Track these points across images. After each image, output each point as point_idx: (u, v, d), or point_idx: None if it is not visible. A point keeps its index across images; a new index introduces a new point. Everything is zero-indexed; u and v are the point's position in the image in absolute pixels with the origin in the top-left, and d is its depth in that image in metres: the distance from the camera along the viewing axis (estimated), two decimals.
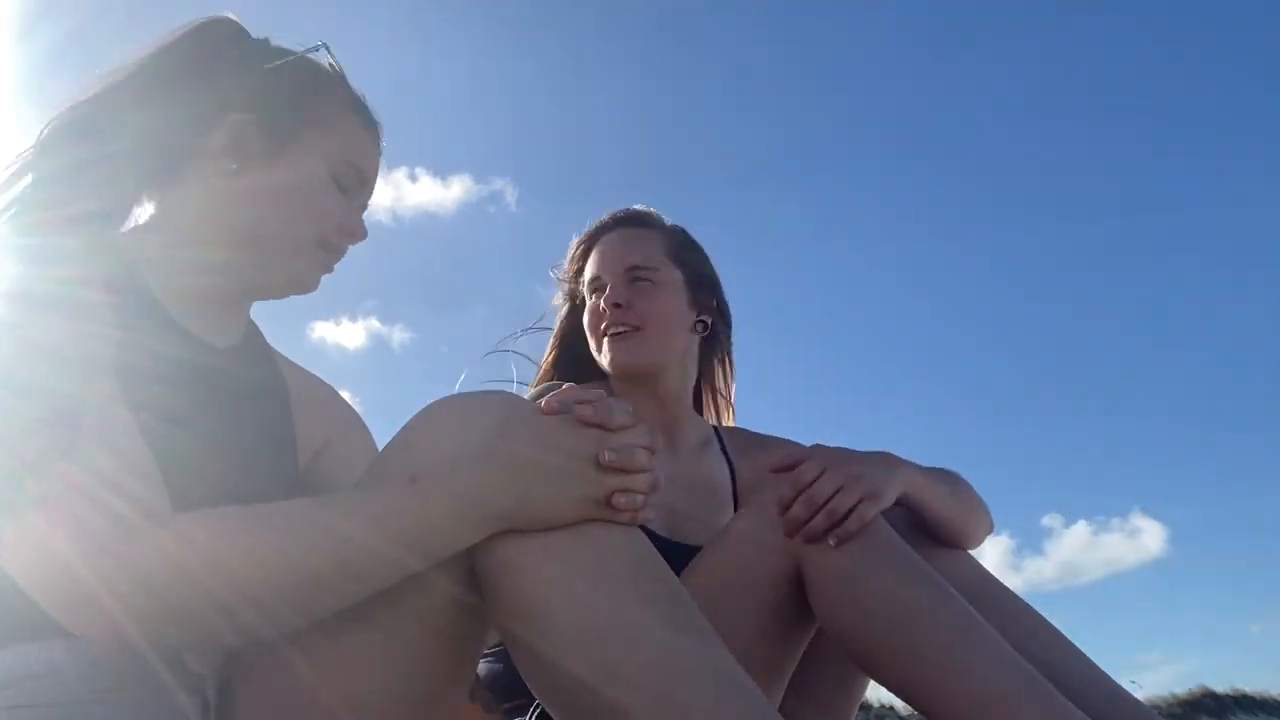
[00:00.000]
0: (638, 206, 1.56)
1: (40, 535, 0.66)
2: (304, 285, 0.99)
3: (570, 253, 1.56)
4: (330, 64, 1.00)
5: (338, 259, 1.00)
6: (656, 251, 1.46)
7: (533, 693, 0.77)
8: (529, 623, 0.73)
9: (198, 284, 0.93)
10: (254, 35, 0.99)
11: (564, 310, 1.55)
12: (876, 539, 1.03)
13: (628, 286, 1.42)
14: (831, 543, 1.02)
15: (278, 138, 0.93)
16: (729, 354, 1.60)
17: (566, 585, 0.72)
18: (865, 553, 1.01)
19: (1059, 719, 0.89)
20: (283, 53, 0.97)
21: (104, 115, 0.90)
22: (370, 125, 1.01)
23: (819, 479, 1.04)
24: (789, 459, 1.11)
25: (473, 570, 0.76)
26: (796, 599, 1.06)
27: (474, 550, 0.74)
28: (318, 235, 0.95)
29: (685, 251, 1.50)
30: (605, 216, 1.54)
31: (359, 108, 1.00)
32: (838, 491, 1.03)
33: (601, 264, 1.46)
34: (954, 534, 1.18)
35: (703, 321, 1.49)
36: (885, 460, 1.12)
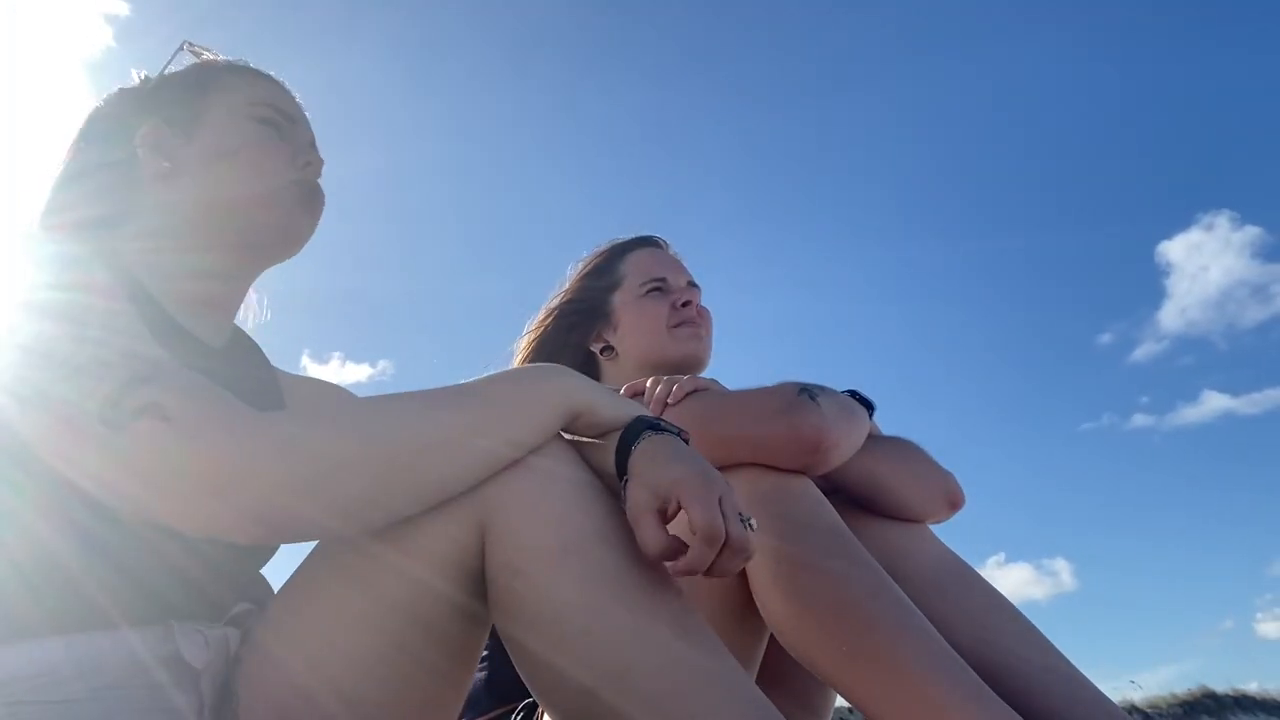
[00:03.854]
0: (656, 236, 1.64)
1: (150, 439, 0.65)
2: (292, 233, 0.99)
3: (596, 253, 1.59)
4: (196, 52, 1.04)
5: (314, 197, 1.01)
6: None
7: (535, 697, 0.77)
8: (536, 629, 0.73)
9: (191, 285, 0.96)
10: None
11: (564, 298, 1.55)
12: (812, 529, 1.01)
13: (689, 293, 1.51)
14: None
15: (185, 123, 0.97)
16: None
17: (575, 592, 0.72)
18: (799, 545, 1.00)
19: (989, 718, 0.88)
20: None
21: (100, 127, 0.98)
22: (266, 75, 1.04)
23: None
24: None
25: (475, 576, 0.77)
26: (744, 591, 1.03)
27: (484, 555, 0.76)
28: (272, 174, 0.97)
29: None
30: (634, 237, 1.60)
31: (244, 67, 1.04)
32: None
33: (665, 267, 1.53)
34: (861, 476, 1.18)
35: None
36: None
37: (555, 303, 1.56)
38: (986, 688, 0.91)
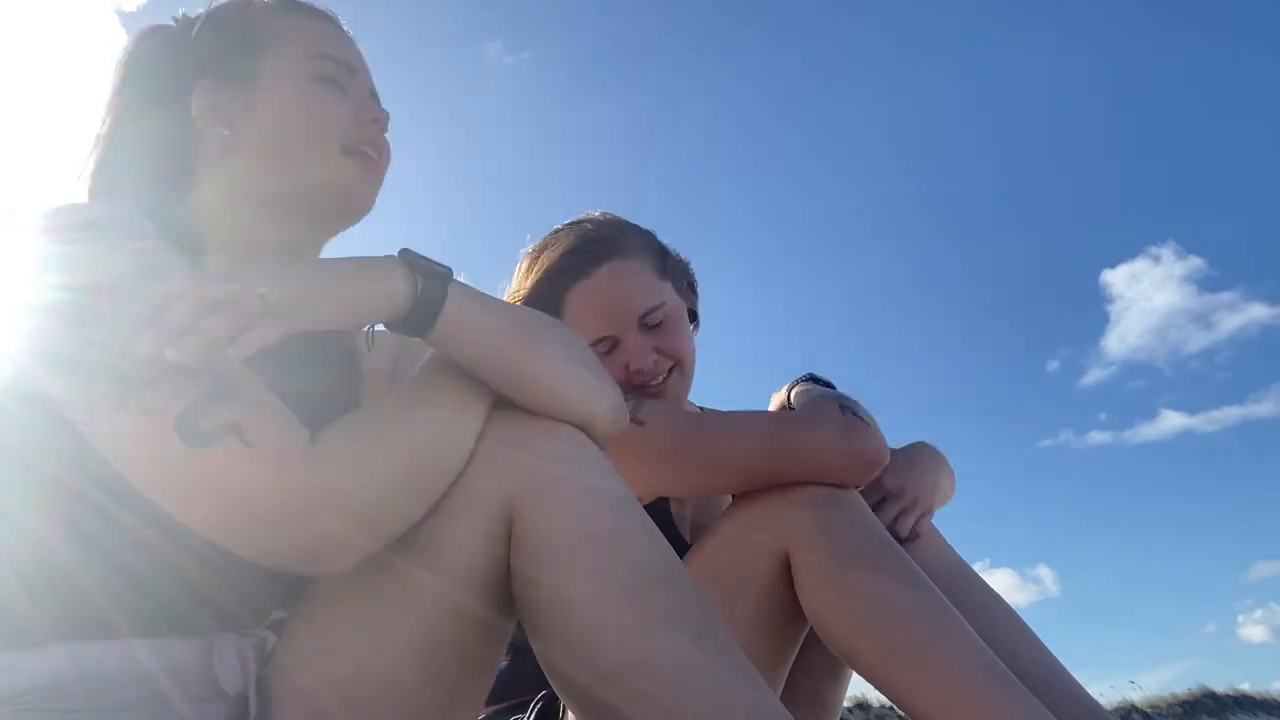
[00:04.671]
0: (594, 220, 1.36)
1: (228, 462, 0.67)
2: (354, 196, 0.94)
3: (531, 275, 1.31)
4: None
5: (379, 158, 0.95)
6: (654, 280, 1.30)
7: (554, 688, 0.79)
8: (553, 623, 0.74)
9: (245, 261, 0.91)
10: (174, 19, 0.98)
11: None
12: (862, 533, 1.06)
13: (644, 335, 1.27)
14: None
15: (242, 81, 0.92)
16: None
17: (591, 589, 0.73)
18: (850, 546, 1.04)
19: (1026, 716, 0.91)
20: (201, 17, 0.97)
21: (107, 126, 0.94)
22: (317, 14, 0.98)
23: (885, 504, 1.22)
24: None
25: (496, 587, 0.78)
26: (787, 595, 1.08)
27: (506, 560, 0.77)
28: (338, 140, 0.92)
29: (668, 262, 1.35)
30: (572, 250, 1.30)
31: (300, 9, 0.97)
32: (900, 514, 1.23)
33: (609, 319, 1.26)
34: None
35: (695, 321, 1.40)
36: (927, 469, 1.29)
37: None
38: (1020, 684, 0.95)
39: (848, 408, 1.14)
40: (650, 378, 1.26)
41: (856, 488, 1.12)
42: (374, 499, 0.71)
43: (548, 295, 1.28)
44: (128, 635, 0.74)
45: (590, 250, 1.29)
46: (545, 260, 1.31)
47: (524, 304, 1.29)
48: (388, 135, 0.97)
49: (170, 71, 0.94)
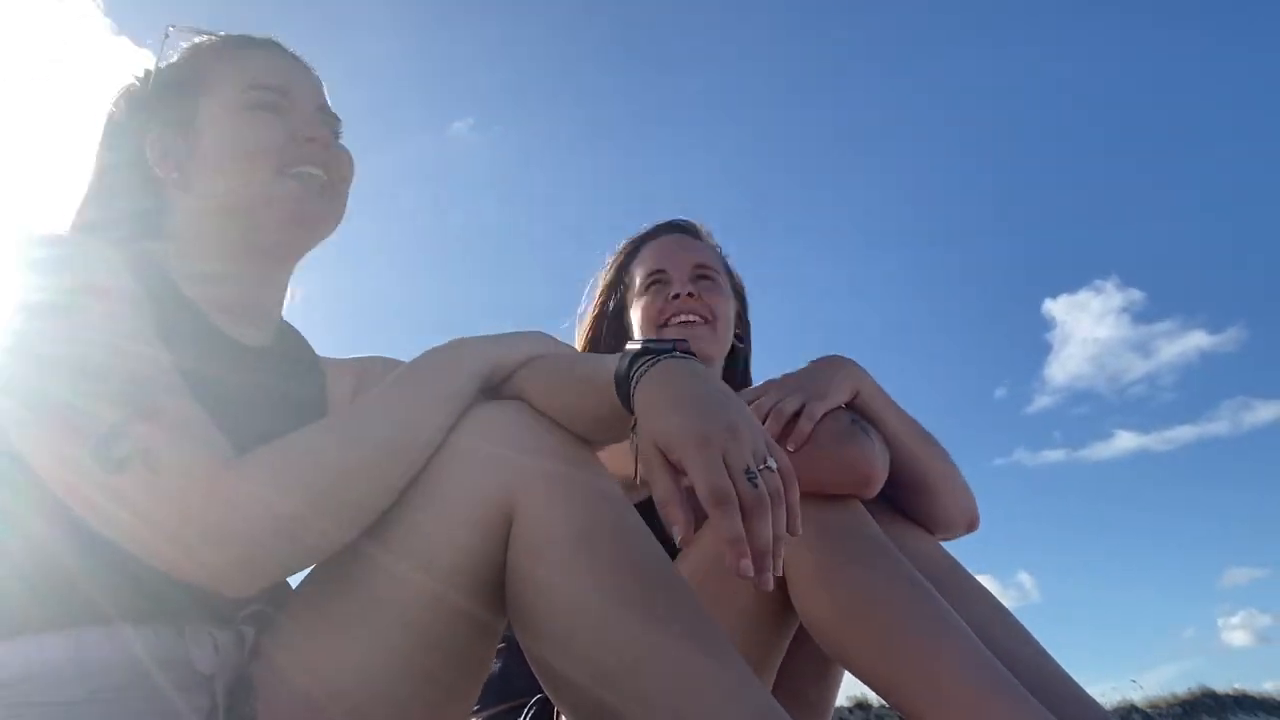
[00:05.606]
0: (683, 219, 1.59)
1: (135, 486, 0.67)
2: (304, 215, 0.95)
3: (615, 254, 1.56)
4: (181, 35, 1.01)
5: (320, 176, 0.96)
6: (714, 256, 1.52)
7: (546, 692, 0.79)
8: (545, 627, 0.75)
9: (225, 287, 0.95)
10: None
11: (593, 310, 1.54)
12: (857, 534, 1.04)
13: (694, 282, 1.45)
14: (790, 448, 1.03)
15: (183, 127, 0.95)
16: (749, 369, 1.60)
17: (584, 592, 0.73)
18: (844, 547, 1.03)
19: (1025, 716, 0.90)
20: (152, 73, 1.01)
21: (114, 134, 0.99)
22: (253, 45, 1.01)
23: (763, 396, 1.08)
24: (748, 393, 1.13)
25: (488, 585, 0.77)
26: (778, 595, 1.06)
27: (505, 568, 0.77)
28: (274, 164, 0.93)
29: (729, 265, 1.57)
30: (652, 225, 1.57)
31: (232, 44, 1.00)
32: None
33: (666, 258, 1.48)
34: (916, 471, 1.16)
35: (738, 335, 1.54)
36: (833, 363, 1.14)
37: (588, 316, 1.54)
38: (1018, 684, 0.93)
39: (858, 423, 1.09)
40: (686, 308, 1.41)
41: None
42: (281, 527, 0.70)
43: (621, 264, 1.53)
44: (125, 627, 0.75)
45: (671, 224, 1.57)
46: (626, 241, 1.55)
47: (607, 282, 1.54)
48: (344, 143, 1.01)
49: (133, 120, 0.99)
